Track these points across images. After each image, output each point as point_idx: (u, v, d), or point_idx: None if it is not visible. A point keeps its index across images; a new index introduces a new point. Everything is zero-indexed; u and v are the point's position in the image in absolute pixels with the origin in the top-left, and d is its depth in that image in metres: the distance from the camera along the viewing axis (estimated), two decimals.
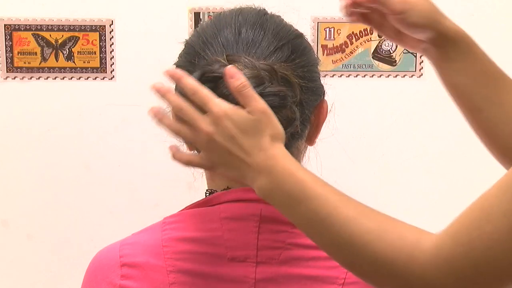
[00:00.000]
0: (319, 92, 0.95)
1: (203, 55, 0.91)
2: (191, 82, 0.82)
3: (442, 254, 0.71)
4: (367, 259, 0.75)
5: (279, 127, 0.82)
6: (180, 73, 0.83)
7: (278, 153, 0.80)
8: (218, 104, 0.81)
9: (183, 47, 0.96)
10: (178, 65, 0.95)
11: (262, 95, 0.84)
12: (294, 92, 0.87)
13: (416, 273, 0.72)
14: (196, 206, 0.94)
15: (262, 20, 0.93)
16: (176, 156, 0.84)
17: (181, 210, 0.95)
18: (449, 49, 0.96)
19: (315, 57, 0.96)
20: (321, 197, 0.77)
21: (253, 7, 0.97)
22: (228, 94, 0.84)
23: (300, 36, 0.96)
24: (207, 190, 0.96)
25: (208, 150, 0.82)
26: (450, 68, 0.96)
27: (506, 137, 0.96)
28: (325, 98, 0.96)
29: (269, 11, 0.97)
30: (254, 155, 0.80)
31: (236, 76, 0.81)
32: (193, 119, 0.81)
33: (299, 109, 0.89)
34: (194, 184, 1.00)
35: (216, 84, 0.85)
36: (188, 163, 0.84)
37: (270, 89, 0.85)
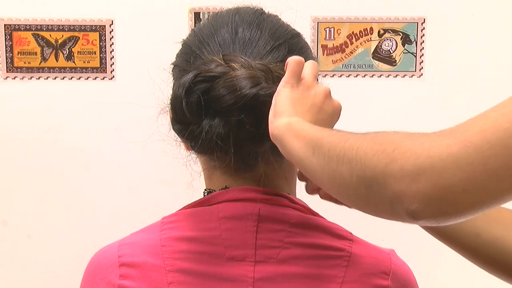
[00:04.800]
0: None
1: (199, 55, 0.91)
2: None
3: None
4: (359, 166, 0.70)
5: None
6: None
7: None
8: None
9: (181, 46, 0.96)
10: (175, 64, 0.96)
11: (257, 95, 0.84)
12: None
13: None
14: (194, 205, 0.94)
15: (259, 20, 0.93)
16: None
17: (179, 210, 0.95)
18: None
19: (312, 56, 0.97)
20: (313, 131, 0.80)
21: (250, 6, 0.97)
22: (225, 94, 0.84)
23: (297, 35, 0.96)
24: (205, 190, 0.96)
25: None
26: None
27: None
28: None
29: (267, 11, 0.97)
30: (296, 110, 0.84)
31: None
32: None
33: None
34: (193, 184, 1.00)
35: (212, 84, 0.85)
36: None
37: (265, 89, 0.85)
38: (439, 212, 0.65)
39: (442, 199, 0.64)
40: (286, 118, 0.83)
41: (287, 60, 0.87)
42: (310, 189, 0.95)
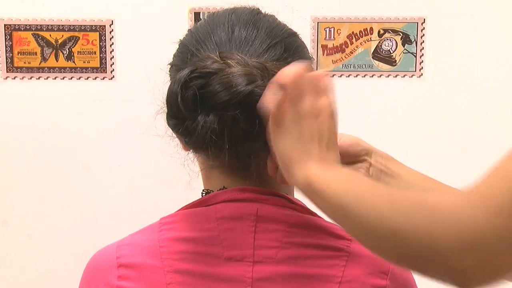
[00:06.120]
0: None
1: (196, 54, 0.91)
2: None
3: (476, 191, 0.68)
4: (403, 243, 0.72)
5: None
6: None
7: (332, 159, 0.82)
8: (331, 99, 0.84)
9: (177, 46, 0.96)
10: (172, 64, 0.96)
11: (253, 93, 0.84)
12: None
13: (447, 211, 0.68)
14: (193, 206, 0.94)
15: (256, 19, 0.93)
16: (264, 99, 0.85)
17: (177, 210, 0.95)
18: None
19: (308, 55, 0.96)
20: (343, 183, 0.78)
21: (247, 6, 0.97)
22: (220, 90, 0.84)
23: (293, 34, 0.96)
24: (203, 190, 0.96)
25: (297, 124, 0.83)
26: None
27: None
28: None
29: (264, 11, 0.97)
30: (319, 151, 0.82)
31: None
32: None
33: None
34: (193, 184, 1.00)
35: (208, 80, 0.85)
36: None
37: (261, 87, 0.85)
38: (488, 281, 0.68)
39: (491, 271, 0.67)
40: (302, 171, 0.81)
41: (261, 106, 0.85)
42: (270, 170, 0.93)
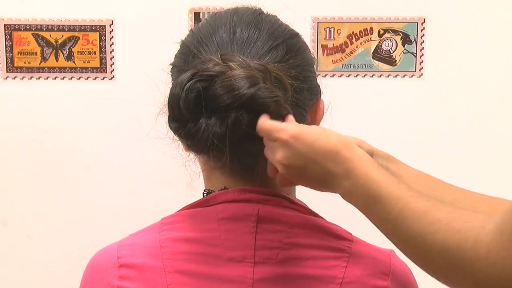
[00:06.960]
0: (314, 91, 0.95)
1: (197, 55, 0.91)
2: (260, 121, 0.86)
3: (505, 230, 0.70)
4: (437, 249, 0.75)
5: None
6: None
7: (353, 155, 0.83)
8: (283, 130, 0.84)
9: (179, 47, 0.96)
10: (174, 65, 0.96)
11: (255, 95, 0.84)
12: (287, 92, 0.88)
13: (482, 255, 0.71)
14: (194, 206, 0.94)
15: (257, 20, 0.93)
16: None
17: (178, 211, 0.95)
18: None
19: (310, 56, 0.96)
20: (394, 194, 0.79)
21: (249, 7, 0.97)
22: (223, 93, 0.84)
23: (295, 35, 0.95)
24: (204, 191, 0.96)
25: (289, 174, 0.86)
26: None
27: None
28: (322, 97, 0.96)
29: (266, 11, 0.97)
30: (332, 163, 0.82)
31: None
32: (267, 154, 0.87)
33: (294, 109, 0.89)
34: (193, 184, 1.00)
35: (210, 83, 0.85)
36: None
37: (263, 89, 0.85)
38: None
39: None
40: (340, 187, 0.84)
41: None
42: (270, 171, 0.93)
